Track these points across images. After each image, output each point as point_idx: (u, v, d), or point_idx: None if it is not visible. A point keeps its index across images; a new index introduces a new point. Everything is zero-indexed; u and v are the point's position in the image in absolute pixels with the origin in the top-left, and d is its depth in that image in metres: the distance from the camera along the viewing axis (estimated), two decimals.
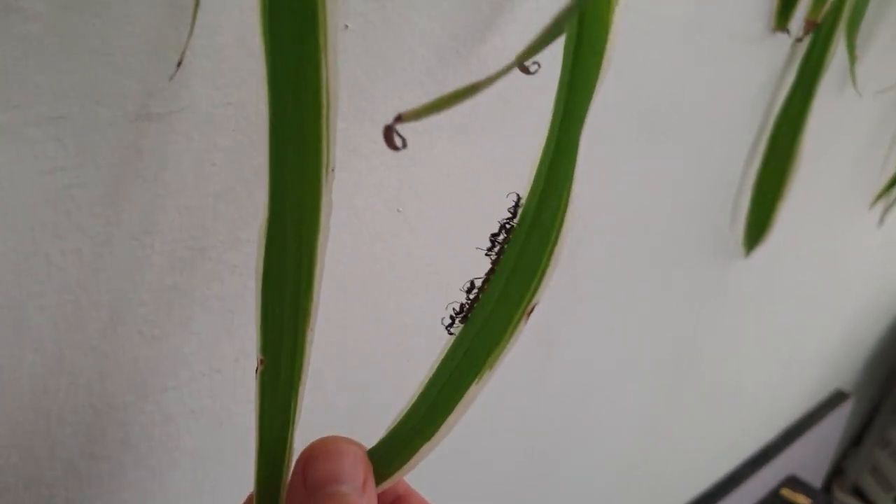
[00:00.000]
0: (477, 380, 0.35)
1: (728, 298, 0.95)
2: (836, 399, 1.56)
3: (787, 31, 0.70)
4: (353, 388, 0.54)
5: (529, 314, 0.35)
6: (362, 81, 0.44)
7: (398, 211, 0.50)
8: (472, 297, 0.36)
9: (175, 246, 0.40)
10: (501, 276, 0.36)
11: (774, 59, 0.74)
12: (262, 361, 0.34)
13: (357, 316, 0.52)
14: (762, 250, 0.88)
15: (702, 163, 0.75)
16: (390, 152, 0.47)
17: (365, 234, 0.49)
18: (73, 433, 0.40)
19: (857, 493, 1.86)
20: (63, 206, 0.35)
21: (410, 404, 0.36)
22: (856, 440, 1.92)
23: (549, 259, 0.35)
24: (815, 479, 1.59)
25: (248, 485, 0.36)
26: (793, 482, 1.45)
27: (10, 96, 0.32)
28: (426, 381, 0.36)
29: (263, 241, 0.32)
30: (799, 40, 0.72)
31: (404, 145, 0.27)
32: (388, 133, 0.27)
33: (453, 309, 0.36)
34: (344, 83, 0.43)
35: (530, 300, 0.35)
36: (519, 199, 0.36)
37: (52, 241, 0.35)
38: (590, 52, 0.36)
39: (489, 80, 0.26)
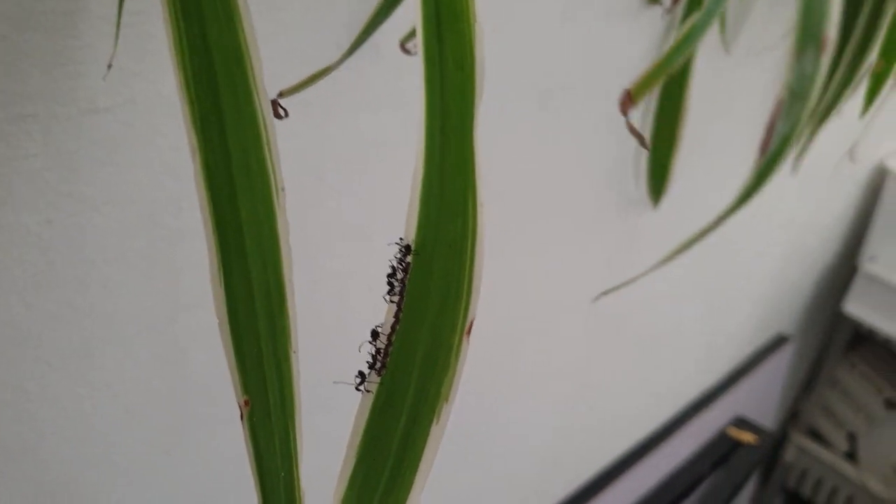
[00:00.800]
0: (435, 419, 0.34)
1: (645, 249, 1.05)
2: (777, 342, 1.66)
3: (659, 2, 0.80)
4: None
5: (469, 332, 0.34)
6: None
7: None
8: (384, 343, 0.34)
9: (129, 214, 0.49)
10: (422, 309, 0.34)
11: (654, 29, 0.84)
12: (246, 402, 0.32)
13: None
14: (672, 202, 0.97)
15: (599, 127, 0.85)
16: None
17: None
18: None
19: (813, 434, 1.95)
20: (37, 187, 0.45)
21: (360, 469, 0.34)
22: (808, 384, 2.02)
23: (471, 275, 0.34)
24: (765, 420, 1.69)
25: None
26: (740, 422, 1.54)
27: None
28: (361, 443, 0.34)
29: (220, 278, 0.31)
30: (669, 11, 0.82)
31: (286, 115, 0.35)
32: (273, 106, 0.35)
33: (367, 361, 0.34)
34: None
35: (465, 318, 0.34)
36: (407, 248, 0.34)
37: (31, 215, 0.45)
38: (454, 40, 0.34)
39: (338, 63, 0.34)
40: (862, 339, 1.90)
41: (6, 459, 0.50)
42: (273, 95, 0.33)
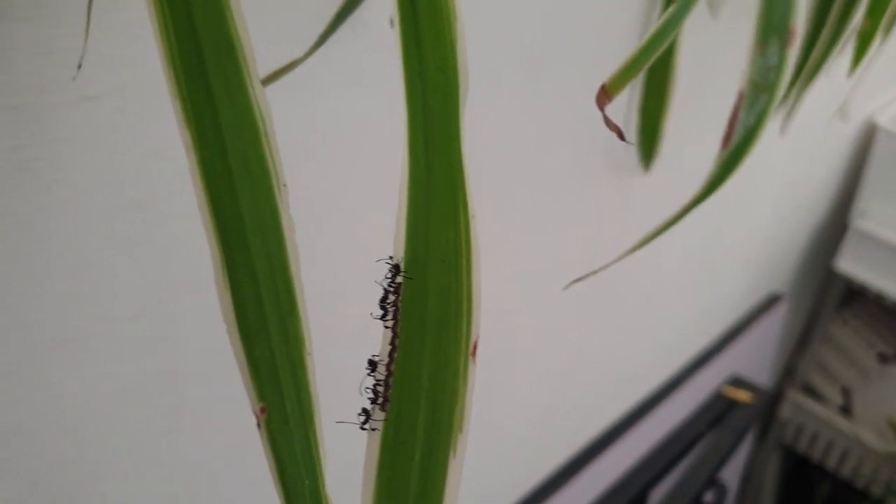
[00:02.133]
0: (452, 452, 0.32)
1: (637, 214, 1.05)
2: (770, 301, 1.67)
3: None
4: None
5: (474, 352, 0.33)
6: None
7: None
8: (383, 374, 0.32)
9: (120, 200, 0.50)
10: (420, 331, 0.32)
11: None
12: (262, 409, 0.30)
13: None
14: (661, 166, 0.98)
15: (589, 93, 0.85)
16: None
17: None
18: None
19: (808, 390, 1.97)
20: (24, 176, 0.45)
21: None
22: (802, 341, 2.03)
23: (469, 289, 0.33)
24: (760, 379, 1.70)
25: None
26: (735, 382, 1.56)
27: None
28: (376, 489, 0.32)
29: (226, 282, 0.30)
30: None
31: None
32: None
33: (369, 398, 0.32)
34: None
35: (468, 337, 0.33)
36: (396, 267, 0.33)
37: (24, 204, 0.45)
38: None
39: (307, 55, 0.33)
40: (854, 296, 1.91)
41: (3, 442, 0.50)
42: None
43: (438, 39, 0.33)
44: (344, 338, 0.67)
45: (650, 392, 1.38)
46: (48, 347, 0.50)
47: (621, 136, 0.32)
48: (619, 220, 1.03)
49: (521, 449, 1.12)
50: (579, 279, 0.35)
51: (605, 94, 0.31)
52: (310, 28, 0.52)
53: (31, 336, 0.49)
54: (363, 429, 0.32)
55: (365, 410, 0.32)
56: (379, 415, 0.32)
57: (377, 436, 0.32)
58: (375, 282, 0.33)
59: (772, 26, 0.30)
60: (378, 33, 0.58)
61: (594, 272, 0.35)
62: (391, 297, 0.32)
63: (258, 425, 0.30)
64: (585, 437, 1.25)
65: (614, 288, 1.12)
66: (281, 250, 0.31)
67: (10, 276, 0.47)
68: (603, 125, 0.89)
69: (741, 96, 0.30)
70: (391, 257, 0.32)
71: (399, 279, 0.32)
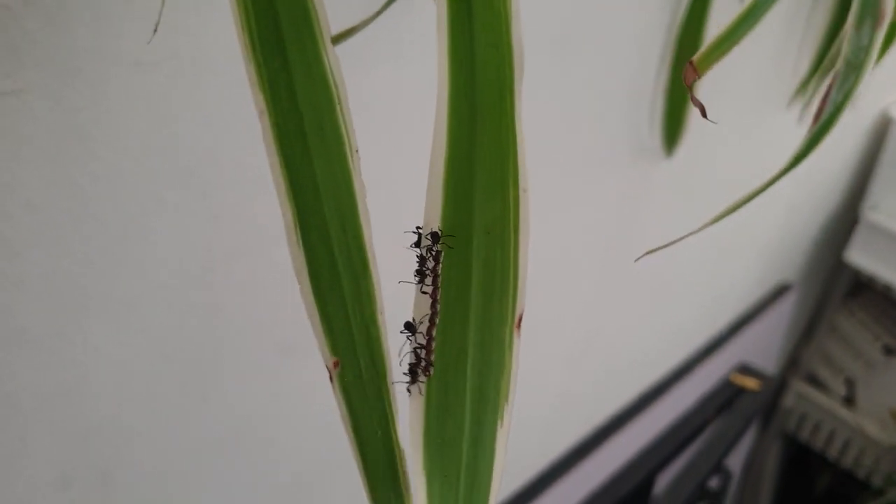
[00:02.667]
0: (500, 422, 0.32)
1: (657, 197, 1.06)
2: (779, 291, 1.68)
3: None
4: None
5: (519, 325, 0.33)
6: None
7: None
8: (424, 339, 0.32)
9: (169, 166, 0.50)
10: (463, 301, 0.33)
11: None
12: (336, 363, 0.31)
13: None
14: (684, 151, 0.98)
15: (616, 75, 0.86)
16: None
17: None
18: None
19: (812, 380, 1.98)
20: (83, 141, 0.45)
21: (434, 486, 0.31)
22: (808, 331, 2.04)
23: (516, 263, 0.33)
24: (766, 367, 1.71)
25: None
26: (743, 369, 1.57)
27: (38, 57, 0.42)
28: (425, 454, 0.32)
29: (299, 243, 0.31)
30: None
31: None
32: None
33: (410, 362, 0.32)
34: None
35: (513, 311, 0.33)
36: (434, 235, 0.33)
37: (77, 168, 0.46)
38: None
39: (366, 22, 0.33)
40: (861, 287, 1.92)
41: (52, 403, 0.51)
42: None
43: (493, 15, 0.33)
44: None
45: (660, 377, 1.39)
46: (93, 311, 0.51)
47: (704, 114, 0.33)
48: (639, 204, 1.04)
49: (534, 431, 1.13)
50: (652, 251, 0.35)
51: (693, 71, 0.32)
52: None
53: (78, 300, 0.50)
54: (408, 391, 0.32)
55: (412, 371, 0.32)
56: (423, 378, 0.32)
57: (421, 400, 0.32)
58: (411, 247, 0.33)
59: (867, 8, 0.31)
60: (421, 7, 0.58)
61: (665, 245, 0.35)
62: (430, 264, 0.32)
63: (331, 379, 0.31)
64: (596, 420, 1.26)
65: (630, 273, 1.13)
66: (354, 214, 0.32)
67: (62, 239, 0.47)
68: (625, 107, 0.90)
69: (837, 74, 0.31)
70: (418, 227, 0.33)
71: (438, 247, 0.32)
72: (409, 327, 0.32)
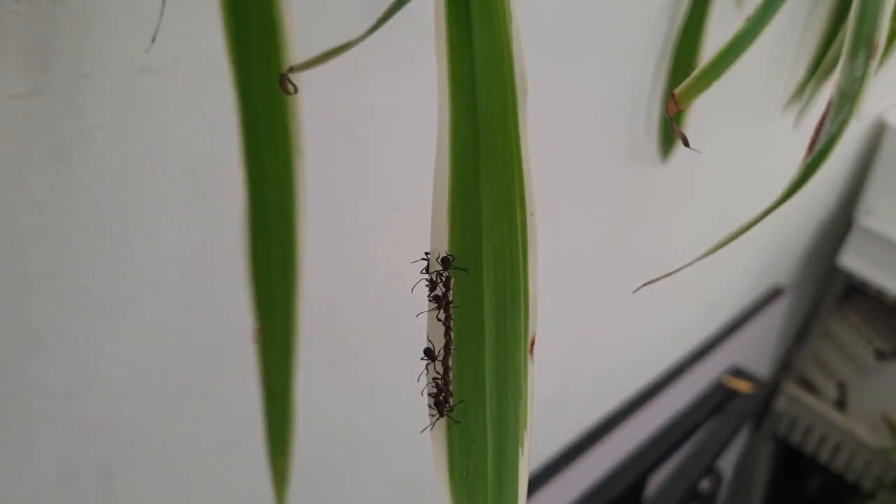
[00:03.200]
0: (521, 449, 0.32)
1: (652, 201, 1.07)
2: (773, 294, 1.69)
3: None
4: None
5: (532, 349, 0.33)
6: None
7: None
8: (440, 369, 0.32)
9: (172, 169, 0.51)
10: (477, 326, 0.33)
11: None
12: (259, 329, 0.39)
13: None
14: (679, 156, 0.99)
15: (614, 80, 0.87)
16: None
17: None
18: None
19: (804, 383, 1.98)
20: (89, 144, 0.46)
21: None
22: (801, 335, 2.05)
23: (527, 285, 0.34)
24: (758, 371, 1.72)
25: None
26: (736, 372, 1.58)
27: (47, 61, 0.43)
28: (451, 486, 0.32)
29: (248, 224, 0.37)
30: None
31: (296, 91, 0.36)
32: (282, 81, 0.36)
33: (430, 393, 0.32)
34: None
35: (526, 335, 0.33)
36: (445, 260, 0.33)
37: (83, 170, 0.47)
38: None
39: (361, 38, 0.34)
40: (854, 292, 1.93)
41: (56, 401, 0.52)
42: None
43: (493, 38, 0.33)
44: (377, 312, 0.69)
45: (653, 379, 1.39)
46: (97, 311, 0.52)
47: (686, 143, 0.33)
48: (636, 208, 1.05)
49: None
50: (651, 282, 0.36)
51: (674, 104, 0.32)
52: (358, 11, 0.54)
53: (82, 300, 0.51)
54: (431, 426, 0.32)
55: (437, 404, 0.32)
56: (443, 410, 0.32)
57: (443, 432, 0.32)
58: (421, 273, 0.33)
59: (861, 40, 0.31)
60: (421, 18, 0.59)
61: (661, 277, 0.36)
62: (441, 290, 0.32)
63: (254, 341, 0.38)
64: (588, 421, 1.27)
65: (625, 275, 1.14)
66: (291, 208, 0.37)
67: (67, 240, 0.48)
68: (622, 111, 0.91)
69: (830, 104, 0.32)
70: (427, 253, 0.32)
71: (448, 273, 0.32)
72: (429, 354, 0.32)
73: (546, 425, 1.18)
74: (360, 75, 0.59)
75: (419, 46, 0.61)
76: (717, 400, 1.51)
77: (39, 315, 0.49)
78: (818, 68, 1.10)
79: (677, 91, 0.31)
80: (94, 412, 0.55)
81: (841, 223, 1.82)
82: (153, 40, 0.44)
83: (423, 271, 0.32)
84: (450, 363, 0.32)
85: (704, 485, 1.49)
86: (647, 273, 1.13)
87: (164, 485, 0.62)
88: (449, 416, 0.32)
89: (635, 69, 0.89)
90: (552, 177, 0.88)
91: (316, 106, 0.57)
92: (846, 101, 0.31)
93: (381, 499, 0.91)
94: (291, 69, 0.33)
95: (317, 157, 0.59)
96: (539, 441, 1.18)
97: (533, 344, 0.33)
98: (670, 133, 0.95)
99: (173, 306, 0.56)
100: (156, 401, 0.58)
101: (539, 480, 1.16)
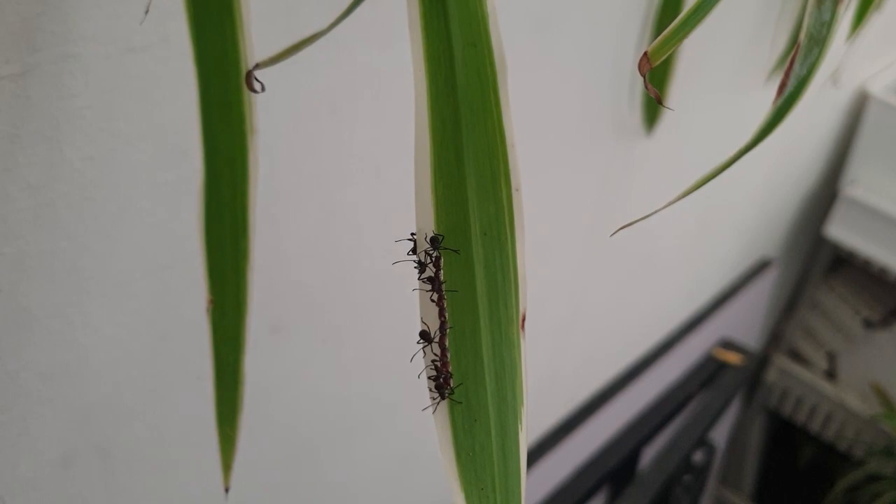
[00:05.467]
0: (521, 425, 0.33)
1: (637, 175, 1.07)
2: (760, 266, 1.70)
3: None
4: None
5: (524, 325, 0.34)
6: None
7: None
8: (437, 350, 0.32)
9: (161, 149, 0.51)
10: (471, 305, 0.33)
11: None
12: (211, 301, 0.39)
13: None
14: (664, 129, 1.00)
15: (596, 53, 0.87)
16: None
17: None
18: None
19: (794, 354, 2.00)
20: (79, 124, 0.47)
21: (473, 497, 0.32)
22: (789, 307, 2.07)
23: (515, 261, 0.34)
24: (749, 342, 1.73)
25: None
26: (726, 344, 1.59)
27: (34, 42, 0.43)
28: (458, 466, 0.32)
29: (203, 198, 0.38)
30: None
31: (263, 89, 0.36)
32: (248, 78, 0.36)
33: (431, 377, 0.32)
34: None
35: (517, 311, 0.34)
36: (433, 240, 0.32)
37: (74, 150, 0.47)
38: None
39: (328, 28, 0.33)
40: (841, 262, 1.94)
41: (54, 382, 0.53)
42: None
43: (469, 14, 0.33)
44: (368, 290, 0.70)
45: (644, 353, 1.40)
46: (91, 292, 0.52)
47: (659, 101, 0.34)
48: (621, 182, 1.05)
49: None
50: (628, 224, 0.36)
51: (646, 61, 0.33)
52: None
53: (76, 281, 0.51)
54: (434, 408, 0.32)
55: (438, 387, 0.32)
56: (448, 391, 0.32)
57: (447, 413, 0.32)
58: (408, 254, 0.33)
59: None
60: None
61: (635, 221, 0.36)
62: (430, 271, 0.32)
63: (207, 311, 0.39)
64: (582, 396, 1.28)
65: (613, 251, 1.15)
66: (245, 184, 0.39)
67: (59, 221, 0.48)
68: (607, 86, 0.91)
69: (798, 47, 0.32)
70: (413, 234, 0.32)
71: (437, 252, 0.32)
72: (425, 336, 0.32)
73: (540, 401, 1.19)
74: (344, 52, 0.59)
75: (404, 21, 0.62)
76: (708, 372, 1.52)
77: (34, 296, 0.49)
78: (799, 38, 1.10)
79: (649, 48, 0.31)
80: (92, 392, 0.55)
81: (826, 194, 1.83)
82: (147, 11, 0.44)
83: (411, 252, 0.32)
84: (446, 344, 0.32)
85: (698, 457, 1.50)
86: (635, 245, 1.14)
87: (161, 465, 0.63)
88: (451, 399, 0.32)
89: (617, 42, 0.89)
90: (537, 152, 0.88)
91: (298, 82, 0.58)
92: (815, 44, 0.32)
93: (377, 474, 0.91)
94: (258, 66, 0.33)
95: (303, 133, 0.59)
96: (534, 417, 1.19)
97: (524, 320, 0.33)
98: (654, 107, 0.96)
99: (165, 286, 0.56)
100: (151, 381, 0.59)
101: (535, 456, 1.17)
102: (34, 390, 0.52)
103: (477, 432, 0.32)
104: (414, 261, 0.32)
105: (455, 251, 0.32)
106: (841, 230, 1.72)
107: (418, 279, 0.32)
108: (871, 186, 1.66)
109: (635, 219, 0.35)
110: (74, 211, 0.49)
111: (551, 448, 1.19)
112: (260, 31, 0.40)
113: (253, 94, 0.36)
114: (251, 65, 0.36)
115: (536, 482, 1.18)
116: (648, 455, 1.40)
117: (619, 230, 0.36)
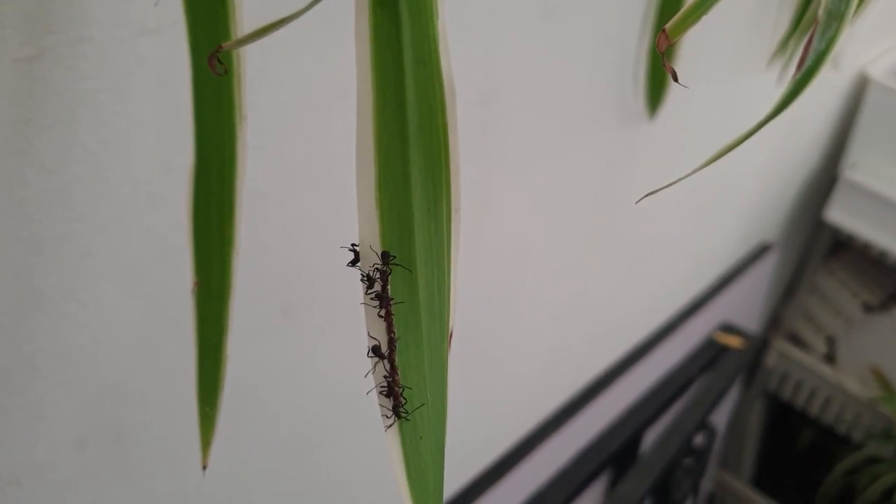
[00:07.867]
0: (444, 443, 0.34)
1: (640, 159, 1.08)
2: (760, 250, 1.70)
3: None
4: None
5: (450, 342, 0.34)
6: None
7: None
8: (388, 367, 0.32)
9: (175, 132, 0.51)
10: (415, 323, 0.33)
11: None
12: (196, 283, 0.40)
13: None
14: (666, 113, 1.00)
15: (600, 39, 0.87)
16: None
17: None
18: None
19: (793, 338, 2.00)
20: (94, 107, 0.47)
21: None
22: (789, 290, 2.07)
23: (449, 280, 0.34)
24: (750, 326, 1.74)
25: None
26: (726, 328, 1.59)
27: (49, 24, 0.43)
28: (410, 488, 0.32)
29: (192, 181, 0.39)
30: None
31: (225, 72, 0.37)
32: (210, 60, 0.36)
33: (380, 391, 0.33)
34: None
35: (447, 329, 0.34)
36: (384, 255, 0.32)
37: (88, 133, 0.47)
38: None
39: (296, 15, 0.32)
40: (841, 246, 1.94)
41: (69, 365, 0.53)
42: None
43: (421, 32, 0.32)
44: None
45: (645, 337, 1.41)
46: (105, 275, 0.52)
47: (675, 78, 0.34)
48: (624, 167, 1.06)
49: (524, 391, 1.16)
50: (651, 193, 0.37)
51: (665, 38, 0.33)
52: None
53: (90, 264, 0.51)
54: (386, 428, 0.32)
55: (395, 409, 0.32)
56: (403, 412, 0.32)
57: (396, 432, 0.32)
58: (348, 265, 0.33)
59: None
60: None
61: (661, 188, 0.37)
62: (378, 286, 0.32)
63: (192, 291, 0.40)
64: (584, 379, 1.29)
65: (618, 233, 1.15)
66: (233, 170, 0.39)
67: (74, 204, 0.49)
68: (609, 71, 0.91)
69: (817, 22, 0.32)
70: (354, 244, 0.32)
71: (385, 268, 0.32)
72: (377, 352, 0.32)
73: (542, 386, 1.19)
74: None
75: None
76: (709, 356, 1.52)
77: (49, 278, 0.50)
78: (800, 23, 1.11)
79: (668, 25, 0.32)
80: (106, 375, 0.56)
81: (826, 178, 1.83)
82: None
83: (351, 264, 0.32)
84: (396, 361, 0.32)
85: (699, 440, 1.51)
86: (637, 229, 1.14)
87: (174, 447, 0.63)
88: (403, 417, 0.32)
89: (621, 27, 0.89)
90: (541, 137, 0.88)
91: (307, 66, 0.58)
92: (834, 19, 0.32)
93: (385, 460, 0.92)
94: (221, 47, 0.33)
95: (313, 116, 0.60)
96: (536, 401, 1.20)
97: (451, 338, 0.34)
98: (657, 91, 0.96)
99: (178, 270, 0.56)
100: (163, 364, 0.59)
101: (537, 438, 1.18)
102: (50, 373, 0.52)
103: (422, 450, 0.33)
104: (362, 275, 0.32)
105: (408, 269, 0.32)
106: (841, 214, 1.73)
107: (365, 293, 0.32)
108: (871, 170, 1.66)
109: (654, 189, 0.35)
110: (89, 194, 0.49)
111: (553, 432, 1.20)
112: (256, 22, 0.40)
113: (245, 81, 0.38)
114: (244, 53, 0.37)
115: (538, 466, 1.19)
116: (650, 438, 1.41)
117: (644, 197, 0.36)
